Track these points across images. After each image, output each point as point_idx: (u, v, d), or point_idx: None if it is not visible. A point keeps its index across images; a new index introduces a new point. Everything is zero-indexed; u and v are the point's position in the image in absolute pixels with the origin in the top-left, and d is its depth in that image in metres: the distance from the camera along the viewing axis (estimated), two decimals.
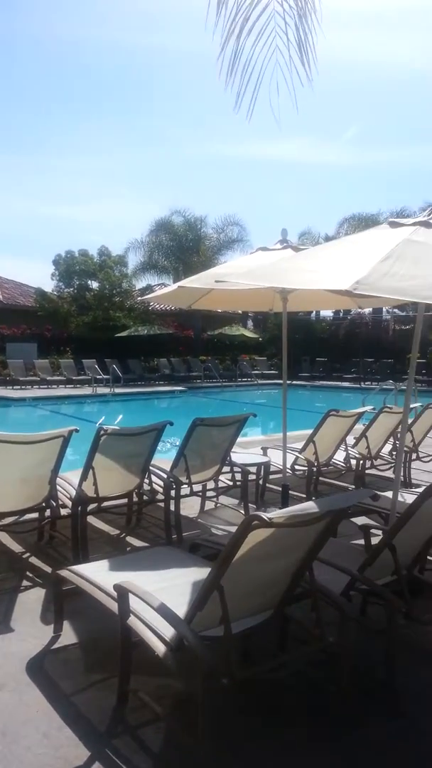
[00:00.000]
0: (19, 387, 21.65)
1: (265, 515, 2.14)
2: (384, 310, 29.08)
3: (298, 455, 6.11)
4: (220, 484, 5.71)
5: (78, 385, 22.62)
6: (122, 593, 2.58)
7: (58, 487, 4.42)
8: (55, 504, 4.34)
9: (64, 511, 4.44)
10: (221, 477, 5.64)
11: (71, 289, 28.48)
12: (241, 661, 2.76)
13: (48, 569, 4.14)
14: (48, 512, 4.45)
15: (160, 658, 2.39)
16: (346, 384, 25.20)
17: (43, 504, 4.35)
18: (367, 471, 6.80)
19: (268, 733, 2.54)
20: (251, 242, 30.19)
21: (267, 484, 6.21)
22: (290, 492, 5.51)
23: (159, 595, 2.51)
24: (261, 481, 6.16)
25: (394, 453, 6.82)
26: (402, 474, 6.75)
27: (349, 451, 6.58)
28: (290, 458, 5.97)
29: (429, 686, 2.93)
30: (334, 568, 2.97)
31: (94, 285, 28.41)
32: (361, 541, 3.46)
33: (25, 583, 4.01)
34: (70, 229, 57.79)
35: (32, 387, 21.97)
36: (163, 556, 3.59)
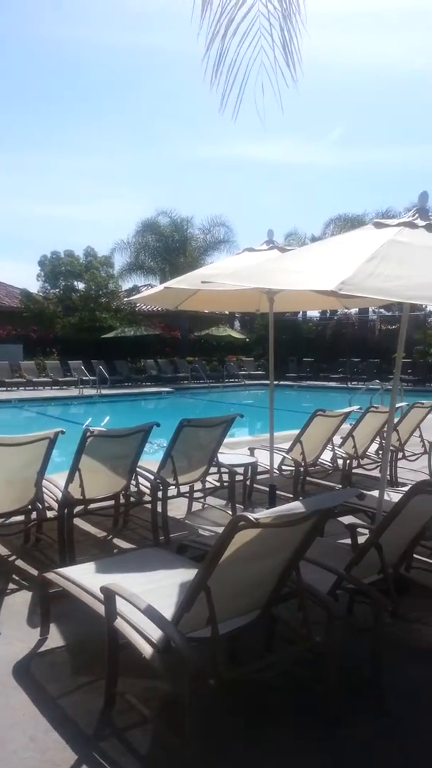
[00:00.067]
0: (4, 389, 21.48)
1: (251, 516, 2.15)
2: (370, 310, 29.25)
3: (286, 455, 6.13)
4: (208, 485, 5.72)
5: (64, 387, 22.51)
6: (109, 595, 2.57)
7: (44, 489, 4.40)
8: (41, 506, 4.32)
9: (50, 514, 4.41)
10: (208, 478, 5.64)
11: (57, 290, 28.36)
12: (228, 661, 2.76)
13: (34, 572, 4.12)
14: (34, 515, 4.43)
15: (147, 659, 2.39)
16: (332, 384, 25.28)
17: (29, 506, 4.32)
18: (353, 470, 6.82)
19: (255, 733, 2.54)
20: (238, 243, 30.25)
21: (254, 485, 6.22)
22: (277, 492, 5.53)
23: (146, 597, 2.50)
24: (248, 482, 6.16)
25: (381, 452, 6.86)
26: (388, 473, 6.78)
27: (336, 451, 6.61)
28: (277, 458, 5.99)
29: (415, 684, 2.95)
30: (321, 568, 2.98)
31: (80, 286, 28.33)
32: (348, 541, 3.47)
33: (11, 586, 3.98)
34: (56, 229, 57.59)
35: (18, 388, 21.84)
36: (151, 557, 3.58)
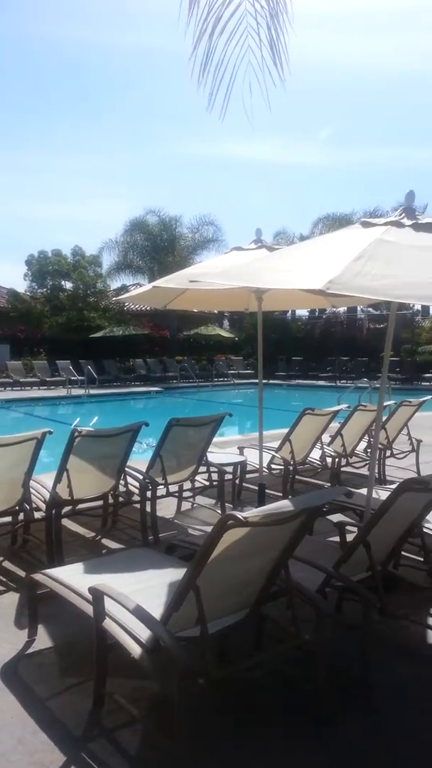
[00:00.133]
0: None
1: (240, 514, 2.15)
2: (358, 309, 29.36)
3: (275, 454, 6.14)
4: (197, 485, 5.71)
5: (52, 387, 22.41)
6: (97, 596, 2.56)
7: (31, 489, 4.37)
8: (28, 507, 4.29)
9: (38, 514, 4.38)
10: (198, 477, 5.63)
11: (44, 290, 28.23)
12: (217, 660, 2.76)
13: (22, 573, 4.09)
14: (22, 515, 4.40)
15: (136, 659, 2.38)
16: (321, 383, 25.39)
17: (17, 507, 4.29)
18: (342, 469, 6.85)
19: (244, 732, 2.54)
20: (226, 242, 30.28)
21: (243, 484, 6.22)
22: (267, 491, 5.53)
23: (135, 597, 2.49)
24: (237, 481, 6.16)
25: (369, 450, 6.89)
26: (376, 471, 6.83)
27: (325, 450, 6.63)
28: (266, 457, 6.00)
29: (403, 682, 2.96)
30: (309, 566, 2.98)
31: (68, 285, 28.21)
32: (337, 539, 3.49)
33: None
34: (44, 229, 57.19)
35: (5, 389, 21.72)
36: (139, 557, 3.57)
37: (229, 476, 5.97)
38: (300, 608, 2.67)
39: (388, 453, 7.35)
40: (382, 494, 4.23)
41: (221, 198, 56.69)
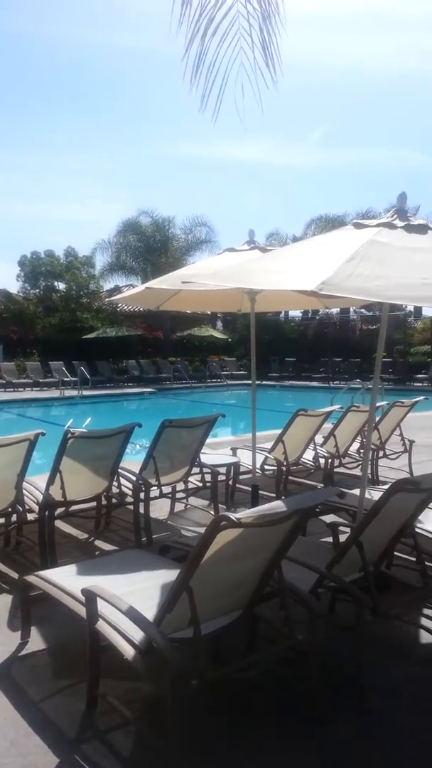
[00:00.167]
0: None
1: (232, 515, 2.15)
2: (351, 310, 29.46)
3: (268, 455, 6.14)
4: (190, 486, 5.71)
5: (45, 388, 22.35)
6: (90, 597, 2.55)
7: (24, 491, 4.35)
8: (21, 509, 4.28)
9: (31, 516, 4.37)
10: (191, 478, 5.63)
11: (37, 291, 28.22)
12: (210, 661, 2.76)
13: (15, 575, 4.08)
14: (14, 517, 4.38)
15: (129, 661, 2.38)
16: (314, 383, 25.46)
17: (9, 509, 4.27)
18: (335, 469, 6.87)
19: (238, 732, 2.55)
20: (219, 243, 30.30)
21: (237, 485, 6.23)
22: (260, 492, 5.54)
23: (128, 599, 2.49)
24: (231, 482, 6.17)
25: (362, 451, 6.91)
26: (369, 471, 6.84)
27: (318, 450, 6.64)
28: (260, 458, 6.00)
29: (396, 681, 2.97)
30: (302, 567, 2.99)
31: (61, 286, 28.18)
32: (330, 539, 3.49)
33: None
34: (36, 229, 57.00)
35: None
36: (133, 559, 3.56)
37: (222, 477, 5.98)
38: (293, 609, 2.68)
39: (380, 453, 7.38)
40: (374, 495, 4.24)
41: (214, 199, 56.83)
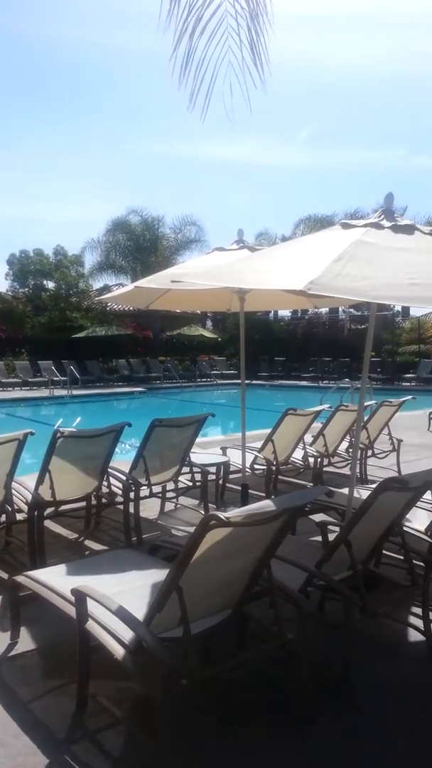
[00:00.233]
0: None
1: (222, 515, 2.15)
2: (340, 309, 29.53)
3: (258, 454, 6.16)
4: (180, 485, 5.70)
5: (34, 388, 22.24)
6: (80, 597, 2.55)
7: (13, 491, 4.34)
8: (10, 509, 4.26)
9: (20, 516, 4.35)
10: (181, 478, 5.62)
11: (26, 290, 28.06)
12: (200, 661, 2.76)
13: (4, 575, 4.05)
14: (3, 517, 4.36)
15: (119, 661, 2.38)
16: (304, 383, 25.50)
17: None
18: (324, 468, 6.89)
19: (227, 731, 2.55)
20: (209, 242, 30.24)
21: (227, 484, 6.24)
22: (250, 491, 5.55)
23: (117, 599, 2.49)
24: (221, 481, 6.18)
25: (351, 450, 6.94)
26: (358, 471, 6.87)
27: (307, 450, 6.66)
28: (249, 457, 6.02)
29: (384, 680, 2.99)
30: (292, 565, 3.00)
31: (50, 285, 28.06)
32: (319, 538, 3.51)
33: None
34: (25, 228, 56.63)
35: None
36: (123, 559, 3.56)
37: (212, 477, 5.98)
38: (282, 608, 2.69)
39: (369, 453, 7.41)
40: (363, 494, 4.26)
41: (203, 198, 56.75)
